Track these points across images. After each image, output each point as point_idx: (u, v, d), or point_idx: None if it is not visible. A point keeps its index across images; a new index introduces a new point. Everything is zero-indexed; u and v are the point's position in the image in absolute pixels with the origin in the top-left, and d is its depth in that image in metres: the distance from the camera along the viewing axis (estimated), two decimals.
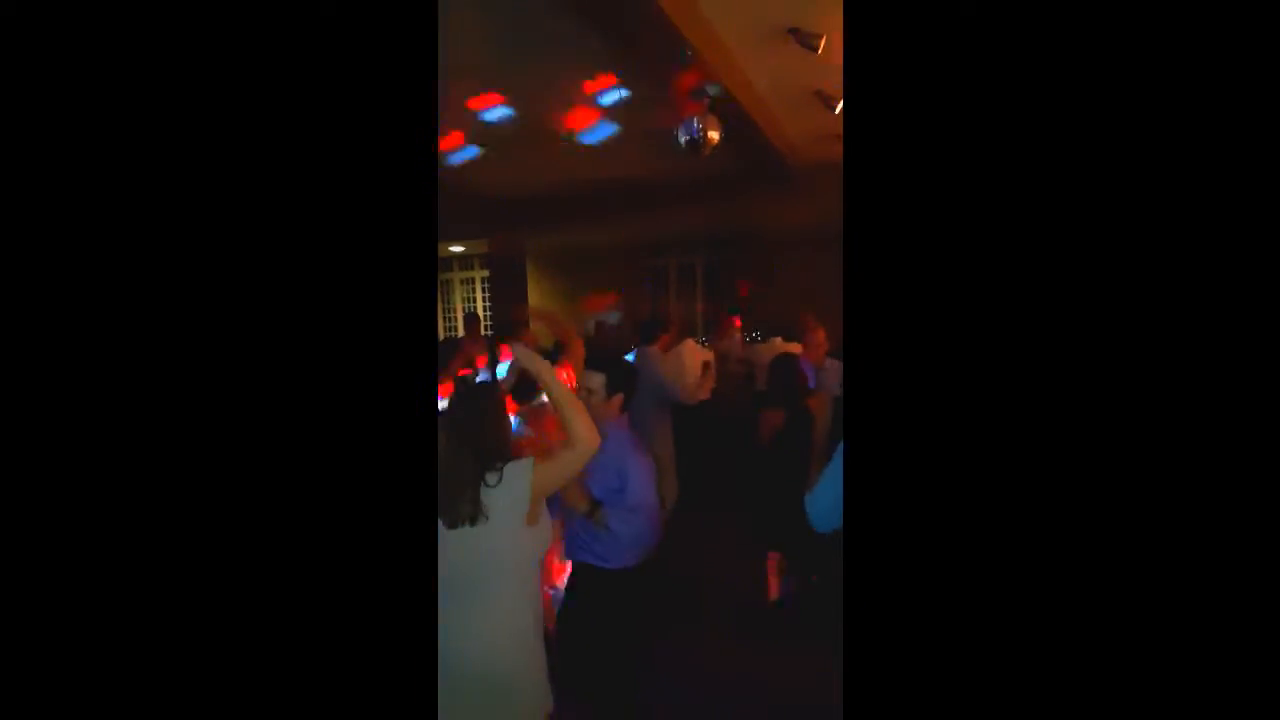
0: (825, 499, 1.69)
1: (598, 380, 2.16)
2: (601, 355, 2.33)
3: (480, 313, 10.62)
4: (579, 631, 2.09)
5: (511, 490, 1.68)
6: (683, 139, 4.23)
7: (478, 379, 1.97)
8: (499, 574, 1.71)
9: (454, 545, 1.70)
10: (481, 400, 1.77)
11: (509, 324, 4.04)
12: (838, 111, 5.00)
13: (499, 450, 1.72)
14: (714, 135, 4.23)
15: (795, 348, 4.43)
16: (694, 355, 4.67)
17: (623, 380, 2.20)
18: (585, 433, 1.69)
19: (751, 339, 6.42)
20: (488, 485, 1.67)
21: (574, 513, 2.10)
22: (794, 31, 3.97)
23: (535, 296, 9.78)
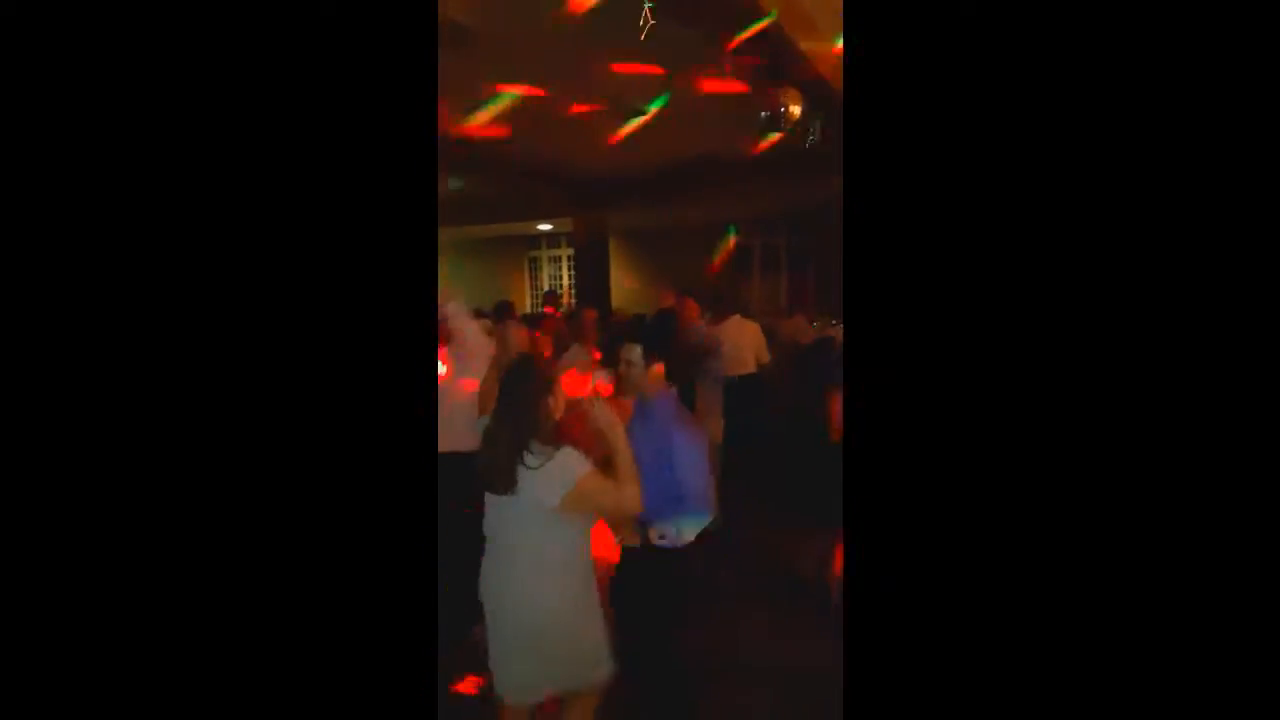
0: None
1: (635, 352, 2.15)
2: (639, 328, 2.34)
3: (565, 290, 10.81)
4: (627, 607, 2.09)
5: (553, 476, 1.70)
6: (763, 114, 4.15)
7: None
8: (539, 541, 1.75)
9: (502, 508, 1.77)
10: (533, 378, 1.81)
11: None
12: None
13: (541, 429, 1.75)
14: (796, 110, 4.12)
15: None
16: (742, 329, 4.66)
17: (661, 351, 2.18)
18: (632, 499, 1.74)
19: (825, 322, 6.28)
20: (527, 465, 1.71)
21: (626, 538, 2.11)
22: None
23: (619, 274, 9.85)
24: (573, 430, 1.86)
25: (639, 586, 2.10)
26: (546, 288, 11.13)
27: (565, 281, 11.04)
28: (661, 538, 2.07)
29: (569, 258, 10.82)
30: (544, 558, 1.76)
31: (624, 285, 9.82)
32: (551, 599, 1.75)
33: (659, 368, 2.14)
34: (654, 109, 5.26)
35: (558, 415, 1.82)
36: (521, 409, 1.76)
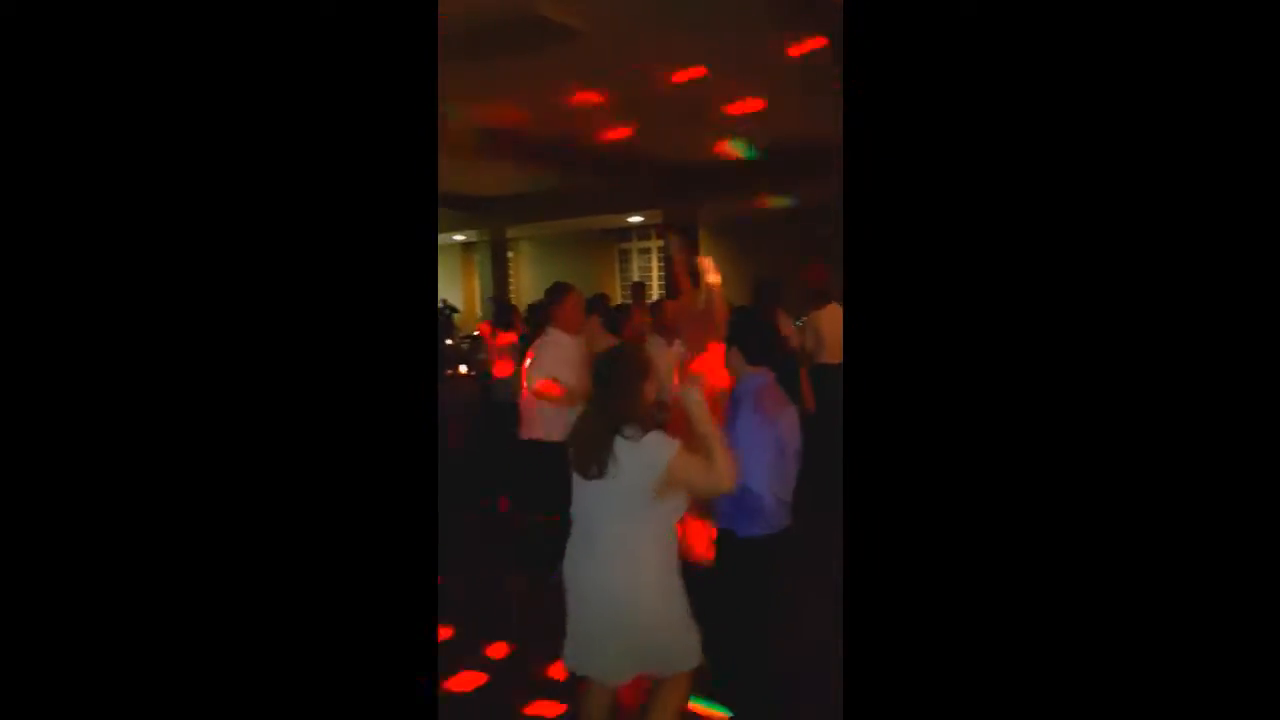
0: None
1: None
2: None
3: (653, 282, 10.89)
4: (712, 597, 2.04)
5: (646, 456, 1.73)
6: None
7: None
8: (628, 524, 1.77)
9: (591, 492, 1.81)
10: (629, 361, 1.85)
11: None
12: None
13: (635, 413, 1.78)
14: None
15: None
16: (836, 317, 4.56)
17: (743, 334, 2.16)
18: (725, 477, 1.73)
19: None
20: (625, 437, 1.74)
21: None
22: None
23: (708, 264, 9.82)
24: (666, 415, 1.88)
25: (732, 578, 2.08)
26: (635, 279, 11.26)
27: (654, 273, 11.12)
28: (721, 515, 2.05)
29: (659, 249, 10.89)
30: (633, 541, 1.78)
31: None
32: (639, 582, 1.77)
33: (734, 353, 2.14)
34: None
35: (651, 400, 1.84)
36: (616, 394, 1.79)
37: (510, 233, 11.25)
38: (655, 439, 1.75)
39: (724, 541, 2.12)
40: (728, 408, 2.17)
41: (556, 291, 3.41)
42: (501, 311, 5.51)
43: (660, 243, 10.72)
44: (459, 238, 12.68)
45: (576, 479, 1.85)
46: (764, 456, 2.01)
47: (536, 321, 4.97)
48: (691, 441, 1.77)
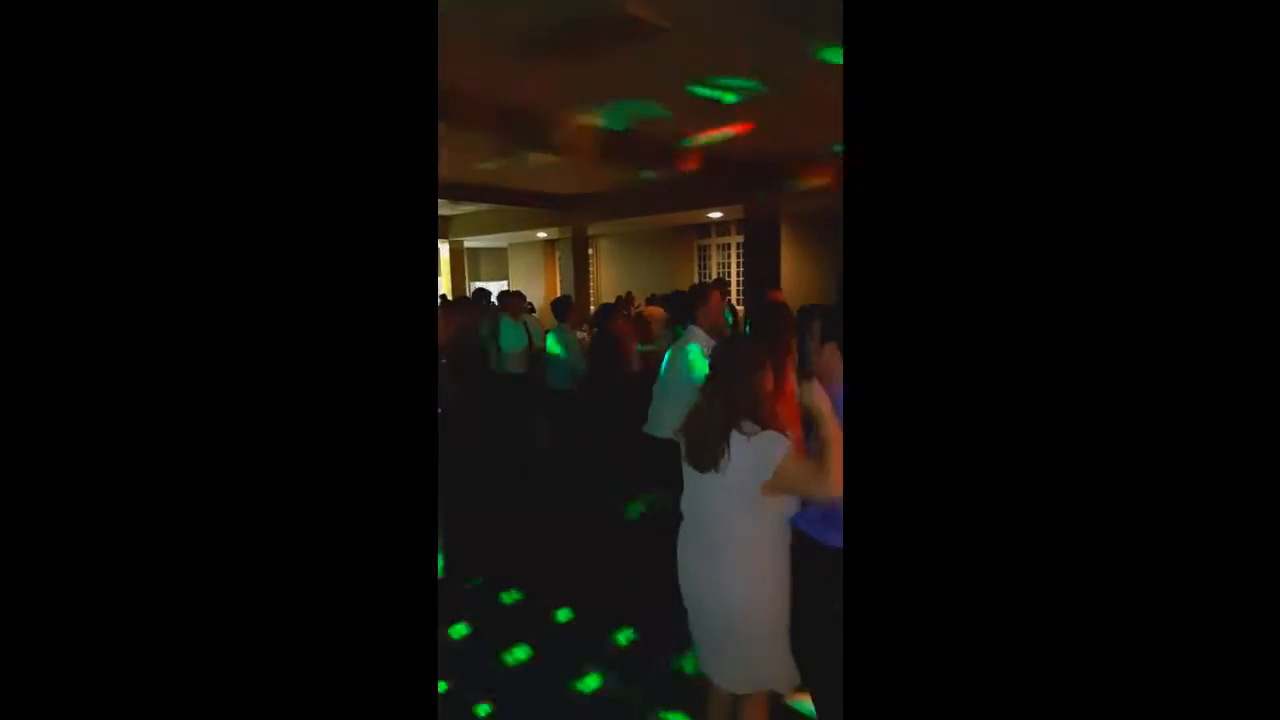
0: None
1: (816, 326, 2.13)
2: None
3: (734, 278, 10.84)
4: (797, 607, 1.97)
5: (759, 453, 1.70)
6: None
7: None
8: (738, 521, 1.74)
9: (703, 486, 1.79)
10: (743, 354, 1.81)
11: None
12: None
13: (752, 407, 1.75)
14: None
15: None
16: None
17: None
18: (834, 484, 1.64)
19: None
20: (741, 432, 1.71)
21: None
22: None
23: (789, 262, 9.73)
24: (782, 412, 1.84)
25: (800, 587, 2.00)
26: (715, 275, 11.23)
27: (734, 269, 11.08)
28: (808, 516, 2.02)
29: (738, 245, 10.85)
30: (742, 538, 1.74)
31: (796, 271, 9.69)
32: (754, 590, 1.74)
33: (833, 348, 2.03)
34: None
35: (769, 394, 1.80)
36: (733, 385, 1.76)
37: (591, 230, 11.42)
38: (770, 437, 1.71)
39: (805, 550, 2.09)
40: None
41: (701, 289, 3.42)
42: (559, 305, 5.53)
43: (739, 238, 10.67)
44: (542, 235, 12.97)
45: (689, 471, 1.83)
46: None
47: (599, 321, 5.10)
48: (806, 444, 1.73)
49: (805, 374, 1.88)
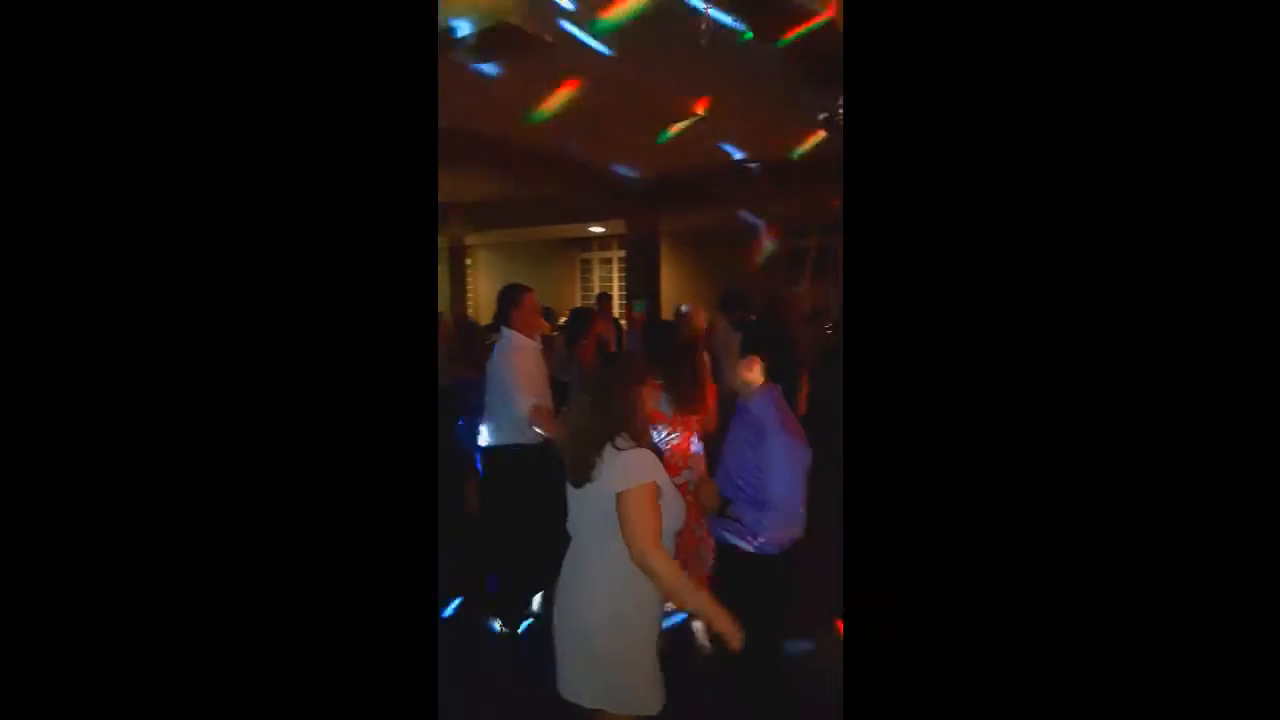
0: None
1: (734, 338, 2.11)
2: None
3: (615, 292, 10.86)
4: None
5: (620, 470, 1.67)
6: (821, 116, 4.11)
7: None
8: (605, 536, 1.70)
9: (577, 502, 1.76)
10: (620, 369, 1.79)
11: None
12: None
13: (626, 420, 1.72)
14: None
15: None
16: None
17: (762, 341, 2.09)
18: (640, 547, 1.64)
19: None
20: (616, 447, 1.68)
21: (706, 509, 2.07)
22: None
23: (669, 277, 9.86)
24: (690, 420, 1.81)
25: (740, 588, 2.01)
26: (598, 290, 11.21)
27: (615, 284, 11.10)
28: (731, 524, 2.02)
29: (620, 260, 10.87)
30: (609, 553, 1.71)
31: (676, 286, 9.82)
32: (609, 599, 1.71)
33: (757, 363, 2.06)
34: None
35: (647, 412, 1.78)
36: (611, 400, 1.73)
37: (469, 240, 11.09)
38: (637, 457, 1.68)
39: (725, 556, 2.07)
40: (736, 423, 2.12)
41: (512, 291, 3.31)
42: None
43: (621, 253, 10.69)
44: None
45: (568, 486, 1.78)
46: (798, 468, 1.99)
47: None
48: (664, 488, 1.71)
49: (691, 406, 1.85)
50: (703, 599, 1.71)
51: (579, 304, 10.71)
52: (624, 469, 1.67)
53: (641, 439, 1.73)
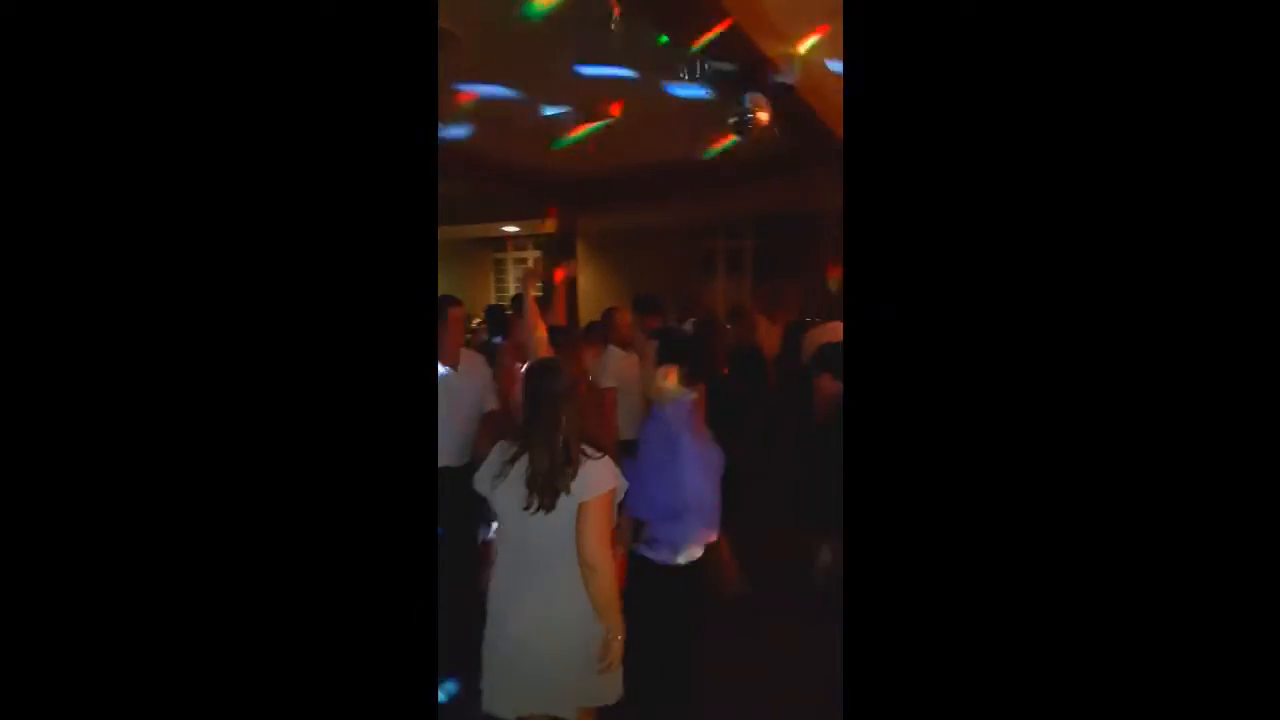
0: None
1: (650, 345, 2.13)
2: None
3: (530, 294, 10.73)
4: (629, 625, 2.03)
5: (597, 480, 1.67)
6: (730, 120, 4.21)
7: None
8: (561, 559, 1.70)
9: (516, 526, 1.71)
10: (558, 377, 1.74)
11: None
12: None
13: (584, 425, 1.71)
14: (763, 116, 4.19)
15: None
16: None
17: (682, 351, 2.12)
18: (591, 562, 1.66)
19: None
20: (588, 456, 1.67)
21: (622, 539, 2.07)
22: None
23: (586, 277, 9.84)
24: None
25: (650, 597, 2.02)
26: (513, 290, 11.06)
27: (529, 285, 10.95)
28: (648, 544, 2.03)
29: (535, 260, 10.77)
30: (568, 563, 1.69)
31: (594, 288, 9.82)
32: (556, 620, 1.70)
33: (672, 372, 2.08)
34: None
35: (590, 417, 1.79)
36: (564, 410, 1.70)
37: None
38: (602, 465, 1.68)
39: (641, 570, 2.07)
40: (650, 430, 2.13)
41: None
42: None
43: (537, 253, 10.60)
44: None
45: (509, 511, 1.74)
46: (712, 473, 2.02)
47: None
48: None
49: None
50: (618, 616, 1.73)
51: (493, 303, 10.56)
52: (591, 478, 1.66)
53: (596, 444, 1.72)
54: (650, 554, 2.05)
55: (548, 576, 1.71)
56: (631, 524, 1.99)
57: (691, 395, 2.10)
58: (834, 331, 5.01)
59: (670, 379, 2.08)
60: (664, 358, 2.10)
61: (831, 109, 5.60)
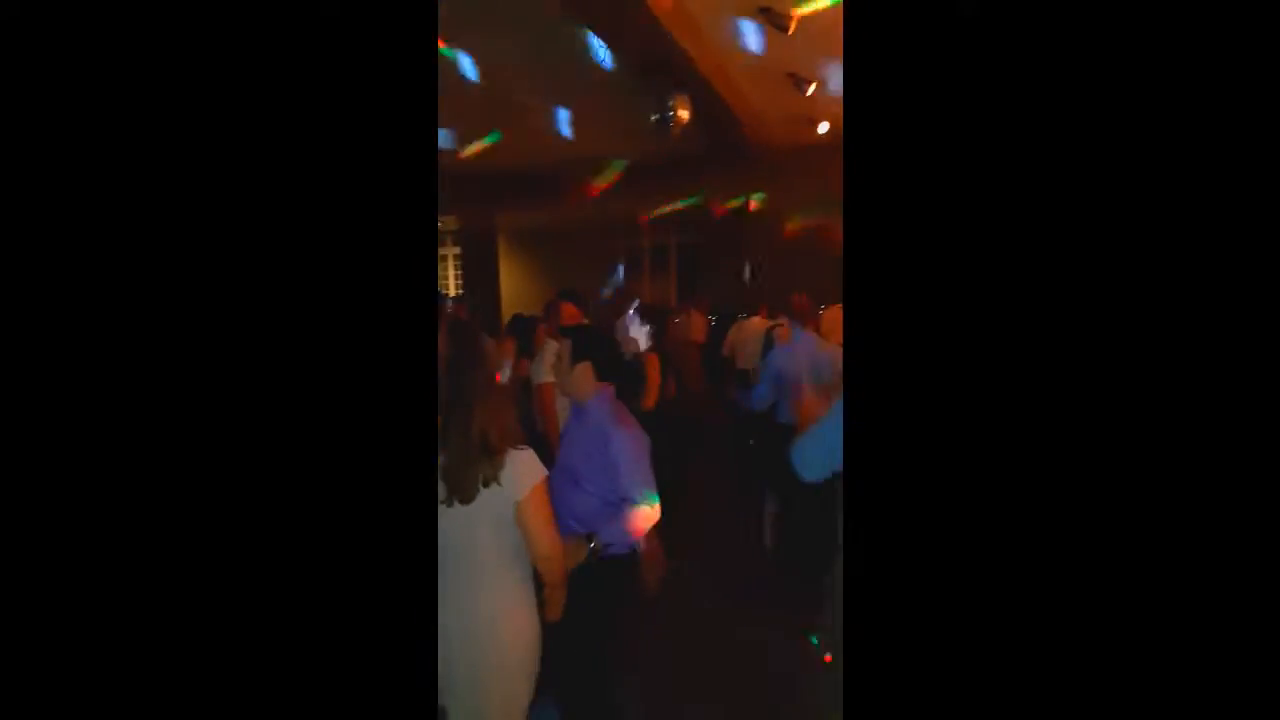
0: (812, 448, 1.76)
1: (563, 349, 2.13)
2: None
3: (450, 289, 10.54)
4: (568, 617, 1.96)
5: (527, 472, 1.66)
6: (653, 117, 4.23)
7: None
8: (492, 553, 1.68)
9: (449, 521, 1.68)
10: (475, 381, 1.71)
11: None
12: (809, 93, 5.02)
13: (503, 426, 1.67)
14: (684, 114, 4.23)
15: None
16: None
17: (590, 348, 2.12)
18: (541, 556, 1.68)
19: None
20: (517, 449, 1.66)
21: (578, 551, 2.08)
22: (765, 11, 3.96)
23: (506, 274, 9.72)
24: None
25: (574, 596, 1.98)
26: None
27: (451, 280, 10.76)
28: (607, 546, 2.03)
29: (455, 256, 10.55)
30: (508, 559, 1.68)
31: (514, 285, 9.70)
32: (493, 616, 1.68)
33: (587, 368, 2.08)
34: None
35: (510, 410, 1.74)
36: (482, 405, 1.66)
37: None
38: (528, 456, 1.67)
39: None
40: (574, 426, 2.14)
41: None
42: None
43: (456, 250, 10.38)
44: None
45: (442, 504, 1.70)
46: (645, 458, 2.02)
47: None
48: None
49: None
50: (561, 593, 1.76)
51: None
52: (520, 471, 1.65)
53: (515, 438, 1.70)
54: (610, 552, 2.06)
55: (496, 571, 1.69)
56: (578, 542, 1.98)
57: (609, 387, 2.11)
58: (756, 326, 5.17)
59: (587, 375, 2.09)
60: (577, 355, 2.11)
61: (748, 107, 5.71)
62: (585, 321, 3.53)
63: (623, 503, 2.01)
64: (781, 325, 4.06)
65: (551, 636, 1.80)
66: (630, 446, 2.02)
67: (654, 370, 3.58)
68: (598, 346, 2.16)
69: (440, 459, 1.67)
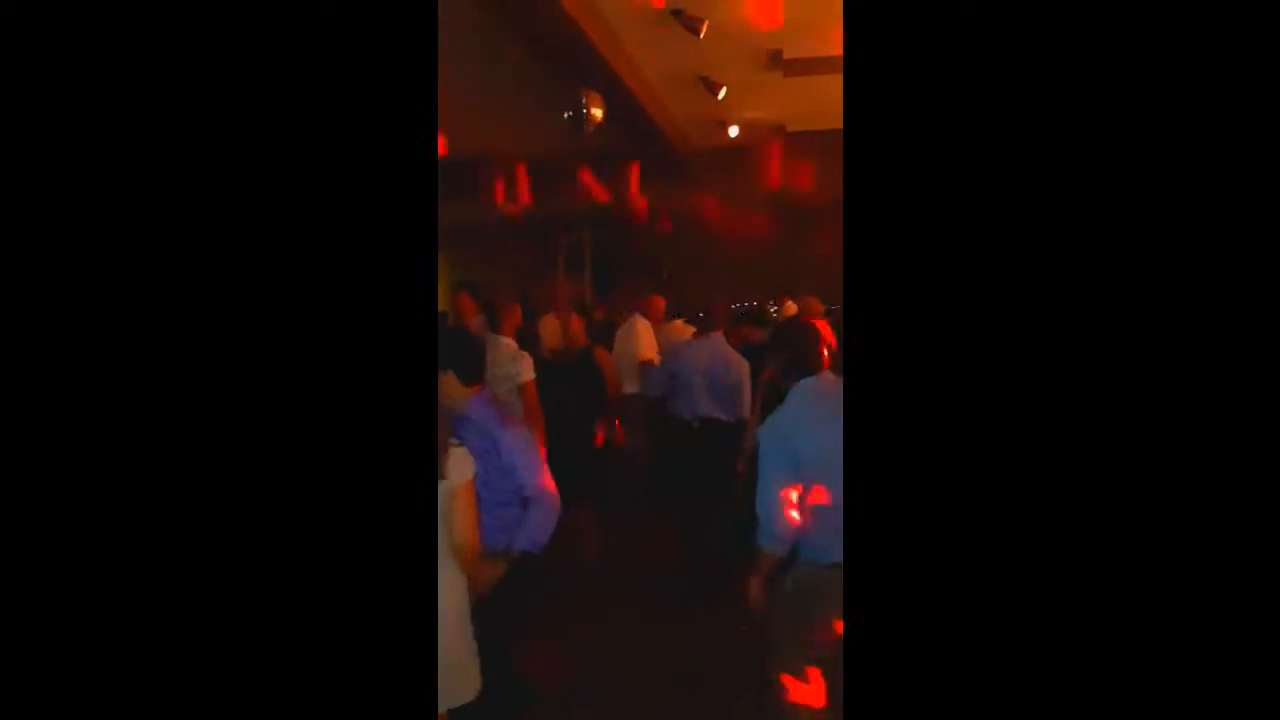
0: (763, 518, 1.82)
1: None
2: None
3: None
4: (494, 617, 1.97)
5: (461, 467, 1.71)
6: (566, 115, 4.23)
7: None
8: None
9: None
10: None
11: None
12: (720, 97, 5.14)
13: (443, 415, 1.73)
14: (597, 113, 4.25)
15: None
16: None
17: (451, 355, 2.09)
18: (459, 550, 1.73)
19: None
20: (450, 444, 1.71)
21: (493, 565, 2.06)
22: (677, 14, 4.02)
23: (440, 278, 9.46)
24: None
25: (500, 596, 2.00)
26: None
27: None
28: (522, 553, 2.03)
29: None
30: (444, 551, 1.70)
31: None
32: (455, 593, 1.72)
33: (449, 379, 2.05)
34: None
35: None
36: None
37: None
38: (462, 452, 1.72)
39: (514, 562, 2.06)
40: (462, 434, 2.12)
41: None
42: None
43: None
44: None
45: None
46: (537, 455, 2.06)
47: None
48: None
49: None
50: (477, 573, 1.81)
51: None
52: (457, 465, 1.71)
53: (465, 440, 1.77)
54: (505, 543, 2.06)
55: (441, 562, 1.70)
56: (494, 560, 1.97)
57: (483, 391, 2.12)
58: (682, 329, 5.18)
59: (450, 386, 2.06)
60: (443, 364, 2.07)
61: (664, 114, 5.79)
62: (478, 315, 3.47)
63: (525, 502, 2.02)
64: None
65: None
66: (521, 444, 2.05)
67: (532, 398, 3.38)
68: (456, 351, 2.09)
69: None
